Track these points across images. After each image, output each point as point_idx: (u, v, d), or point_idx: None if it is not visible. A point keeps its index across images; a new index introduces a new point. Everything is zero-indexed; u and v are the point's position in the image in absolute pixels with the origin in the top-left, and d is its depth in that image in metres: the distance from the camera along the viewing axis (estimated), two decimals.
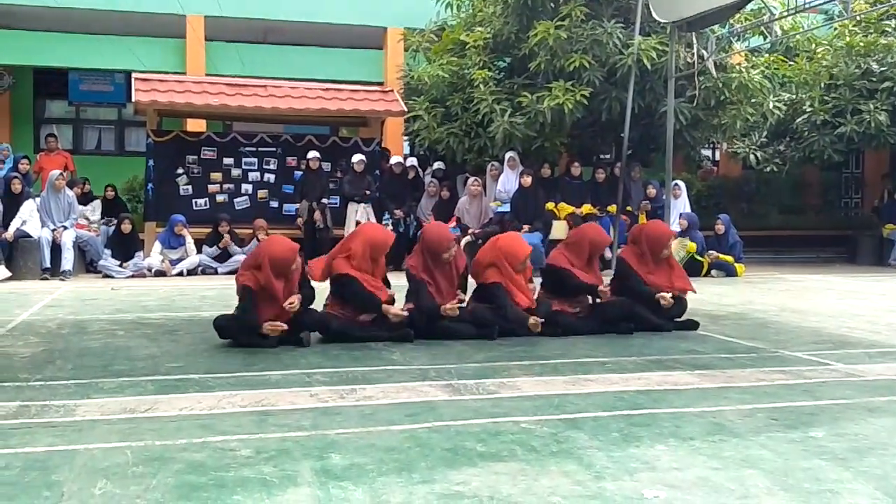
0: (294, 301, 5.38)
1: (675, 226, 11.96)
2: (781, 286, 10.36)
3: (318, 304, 5.79)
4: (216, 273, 11.57)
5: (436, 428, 3.41)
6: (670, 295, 6.27)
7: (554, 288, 6.35)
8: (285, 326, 5.31)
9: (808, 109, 13.95)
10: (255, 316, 5.33)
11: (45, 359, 4.97)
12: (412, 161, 13.97)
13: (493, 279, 6.02)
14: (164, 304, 8.05)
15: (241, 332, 5.41)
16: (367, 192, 12.54)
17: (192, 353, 5.20)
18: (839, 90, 13.72)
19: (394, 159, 13.35)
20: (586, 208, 12.43)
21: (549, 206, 12.32)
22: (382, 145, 14.05)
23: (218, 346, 5.42)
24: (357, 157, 12.67)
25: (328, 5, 15.75)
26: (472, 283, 6.26)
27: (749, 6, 11.01)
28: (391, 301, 5.80)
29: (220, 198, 12.85)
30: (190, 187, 12.73)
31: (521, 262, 6.03)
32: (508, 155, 12.54)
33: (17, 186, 11.25)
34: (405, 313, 5.68)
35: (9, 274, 10.52)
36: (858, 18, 14.08)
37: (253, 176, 13.03)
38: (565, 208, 12.41)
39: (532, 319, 5.86)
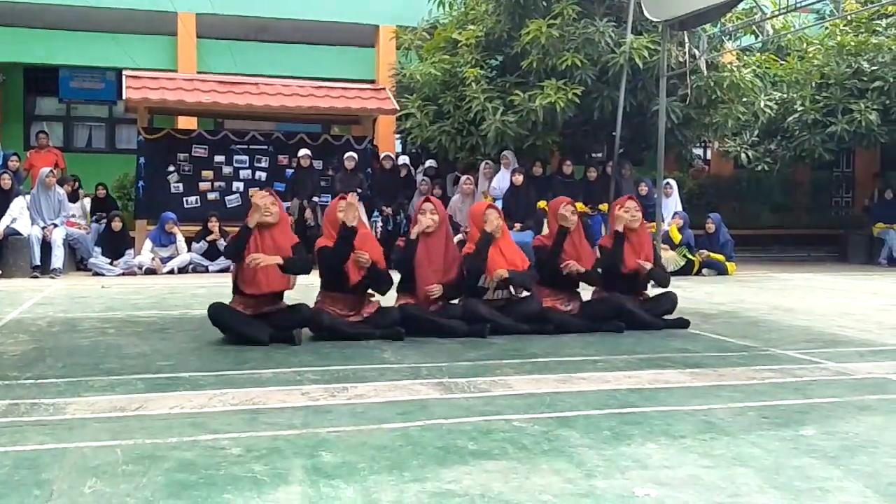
0: (260, 257, 5.34)
1: (666, 225, 11.99)
2: (772, 285, 10.39)
3: (310, 301, 5.78)
4: (207, 271, 11.54)
5: (427, 426, 3.40)
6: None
7: (547, 276, 6.35)
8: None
9: (800, 108, 13.99)
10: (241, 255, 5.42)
11: (36, 357, 4.95)
12: (404, 159, 13.97)
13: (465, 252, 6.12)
14: (154, 302, 8.03)
15: (234, 320, 5.43)
16: (359, 190, 12.52)
17: (182, 351, 5.19)
18: (830, 89, 13.77)
19: (382, 155, 13.29)
20: (578, 206, 12.43)
21: (541, 204, 12.33)
22: (374, 143, 14.03)
23: (209, 344, 5.41)
24: (347, 155, 12.66)
25: (320, 3, 15.73)
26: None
27: (741, 5, 11.03)
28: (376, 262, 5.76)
29: (211, 196, 12.81)
30: (181, 185, 12.69)
31: (481, 218, 6.04)
32: (504, 154, 12.56)
33: (6, 183, 11.20)
34: (366, 255, 5.60)
35: None
36: (849, 18, 14.12)
37: (244, 174, 13.00)
38: None
39: (496, 272, 5.96)
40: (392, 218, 12.76)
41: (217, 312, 5.49)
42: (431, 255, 5.93)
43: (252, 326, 5.39)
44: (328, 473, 2.79)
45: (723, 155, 15.76)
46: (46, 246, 10.82)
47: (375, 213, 12.62)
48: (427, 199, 6.18)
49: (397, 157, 14.20)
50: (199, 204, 12.67)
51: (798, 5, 9.80)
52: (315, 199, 12.58)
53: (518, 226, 11.50)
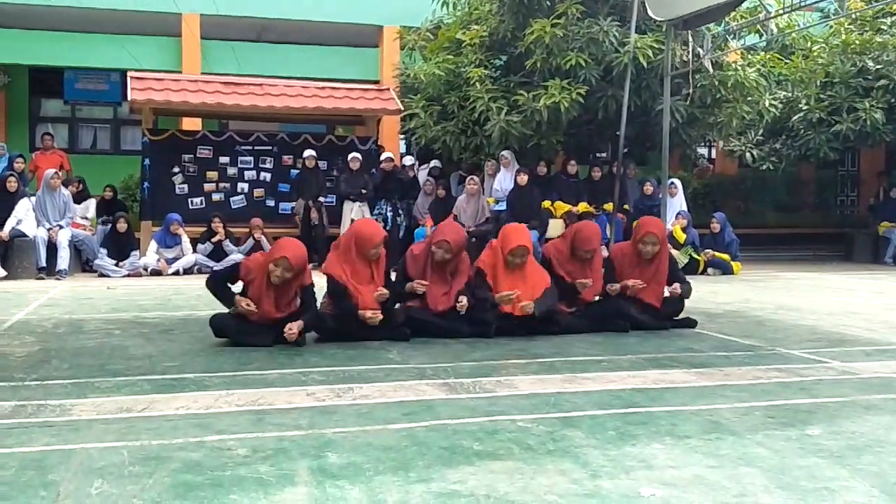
0: (293, 330, 5.27)
1: (670, 225, 11.97)
2: (778, 284, 10.37)
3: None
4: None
5: (433, 427, 3.40)
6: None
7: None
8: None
9: (804, 107, 13.96)
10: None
11: (42, 358, 4.96)
12: (410, 160, 13.96)
13: (479, 265, 6.02)
14: (160, 303, 8.04)
15: (237, 330, 5.42)
16: (364, 191, 12.52)
17: (188, 352, 5.19)
18: (835, 88, 13.74)
19: (384, 156, 13.31)
20: (582, 206, 12.45)
21: (546, 204, 12.34)
22: (378, 143, 14.03)
23: (214, 345, 5.41)
24: (352, 155, 12.67)
25: (324, 3, 15.76)
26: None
27: (744, 4, 11.03)
28: (383, 302, 5.74)
29: (215, 196, 12.84)
30: (186, 186, 12.72)
31: (510, 251, 5.86)
32: (502, 153, 12.56)
33: (12, 185, 11.22)
34: (379, 316, 5.53)
35: (4, 273, 10.49)
36: (854, 16, 14.09)
37: (249, 174, 13.03)
38: (562, 206, 12.42)
39: (499, 295, 5.78)
40: (393, 219, 12.74)
41: (220, 324, 5.49)
42: (440, 276, 5.94)
43: (256, 336, 5.37)
44: (334, 474, 2.79)
45: (727, 154, 15.75)
46: (52, 247, 10.84)
47: (376, 212, 12.61)
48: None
49: (402, 157, 14.20)
50: (203, 205, 12.70)
51: (802, 4, 9.80)
52: (321, 199, 12.58)
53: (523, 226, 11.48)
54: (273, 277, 5.31)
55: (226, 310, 5.56)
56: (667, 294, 6.35)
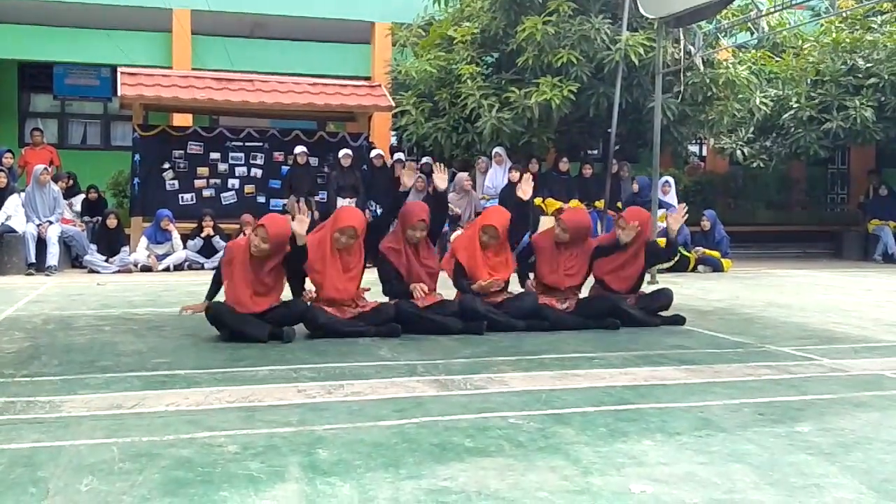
0: None
1: (661, 222, 11.97)
2: (768, 281, 10.41)
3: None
4: (202, 268, 11.52)
5: (423, 423, 3.41)
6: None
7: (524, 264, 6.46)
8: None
9: (795, 105, 14.01)
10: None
11: (31, 354, 4.94)
12: (400, 156, 13.94)
13: (459, 254, 6.13)
14: (150, 299, 8.02)
15: (233, 319, 5.42)
16: (355, 187, 12.48)
17: (178, 348, 5.19)
18: (825, 86, 13.79)
19: (374, 153, 13.28)
20: (574, 203, 12.45)
21: (537, 201, 12.34)
22: (370, 140, 14.00)
23: (204, 341, 5.40)
24: (343, 152, 12.64)
25: None
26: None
27: (736, 2, 11.03)
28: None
29: (206, 192, 12.80)
30: (176, 182, 12.67)
31: (488, 230, 6.07)
32: (495, 150, 12.56)
33: (1, 181, 11.17)
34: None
35: None
36: (845, 15, 14.13)
37: (240, 171, 12.99)
38: (553, 204, 12.43)
39: (477, 284, 5.96)
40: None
41: (216, 312, 5.48)
42: (420, 264, 5.99)
43: (251, 325, 5.37)
44: (325, 471, 2.79)
45: (718, 152, 15.78)
46: (42, 243, 10.79)
47: (371, 205, 12.59)
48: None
49: (392, 153, 14.18)
50: (194, 201, 12.66)
51: (793, 2, 9.81)
52: (317, 198, 12.55)
53: None
54: (252, 248, 5.37)
55: (222, 298, 5.59)
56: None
